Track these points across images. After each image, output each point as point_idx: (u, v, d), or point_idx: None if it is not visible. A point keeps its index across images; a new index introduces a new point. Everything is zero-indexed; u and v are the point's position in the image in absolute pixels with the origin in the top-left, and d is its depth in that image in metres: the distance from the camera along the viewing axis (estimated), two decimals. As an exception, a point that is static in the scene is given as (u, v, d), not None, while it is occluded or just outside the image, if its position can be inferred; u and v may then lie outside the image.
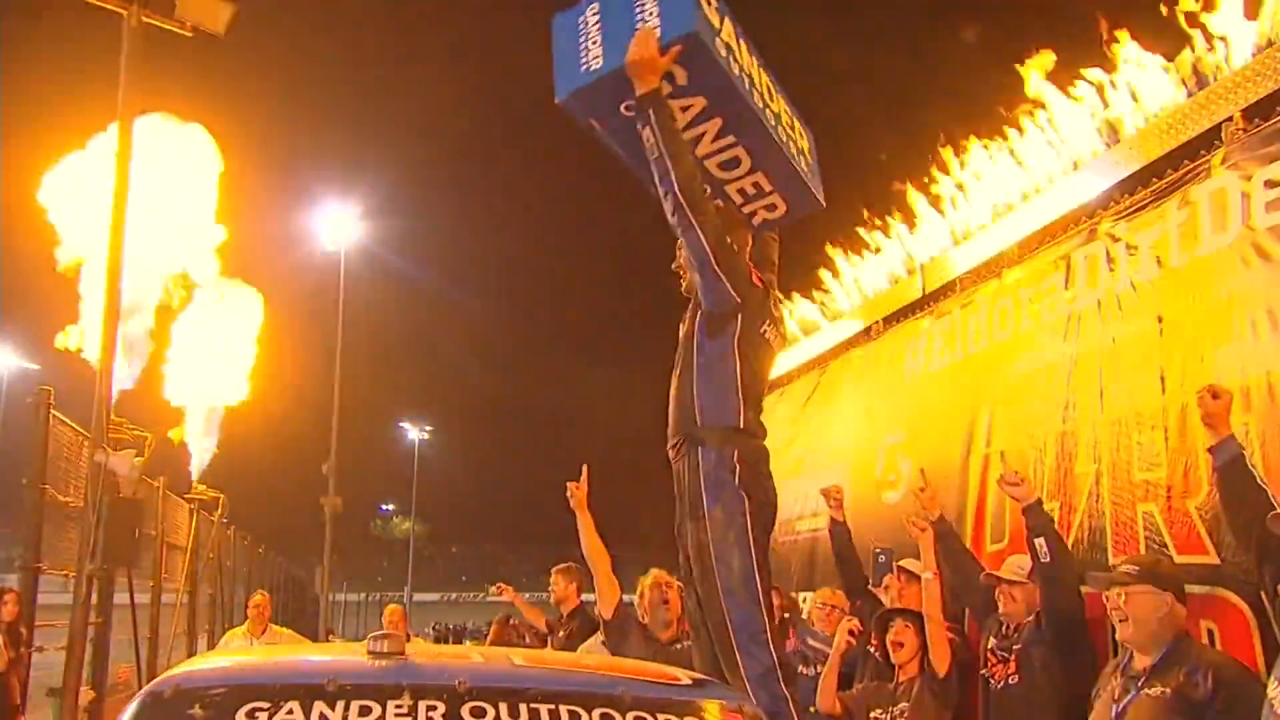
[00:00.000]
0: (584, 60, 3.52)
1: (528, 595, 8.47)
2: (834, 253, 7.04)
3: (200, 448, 11.41)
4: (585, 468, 4.76)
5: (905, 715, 4.44)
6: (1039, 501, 4.24)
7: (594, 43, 3.51)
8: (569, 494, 4.61)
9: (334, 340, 22.26)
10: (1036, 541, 4.07)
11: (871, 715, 4.54)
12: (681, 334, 3.76)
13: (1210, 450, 3.41)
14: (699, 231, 3.42)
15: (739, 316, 3.57)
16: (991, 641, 4.37)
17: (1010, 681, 4.18)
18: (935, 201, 5.89)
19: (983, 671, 4.36)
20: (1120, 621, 3.43)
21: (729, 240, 3.58)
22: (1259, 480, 3.31)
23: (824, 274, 7.24)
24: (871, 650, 4.98)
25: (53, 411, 5.77)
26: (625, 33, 3.39)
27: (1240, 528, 3.39)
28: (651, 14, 3.39)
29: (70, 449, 6.18)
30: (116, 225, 6.43)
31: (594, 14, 3.54)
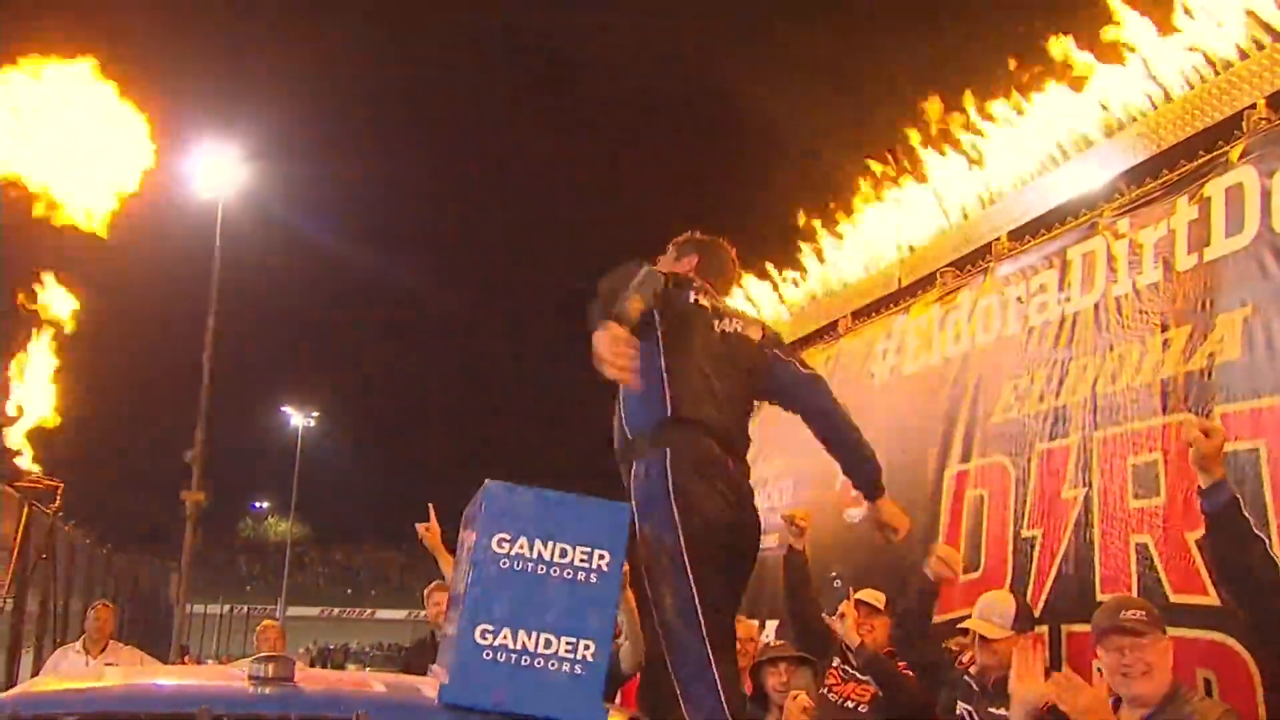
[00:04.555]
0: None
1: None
2: (803, 239, 7.04)
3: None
4: (431, 507, 4.98)
5: None
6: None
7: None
8: (421, 536, 4.66)
9: (206, 304, 21.58)
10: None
11: None
12: None
13: (1200, 494, 3.24)
14: None
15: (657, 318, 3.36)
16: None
17: None
18: (920, 182, 5.92)
19: None
20: (1142, 674, 3.27)
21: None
22: (1254, 530, 3.18)
23: (786, 261, 7.23)
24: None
25: None
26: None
27: (1230, 581, 3.28)
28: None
29: None
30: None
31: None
